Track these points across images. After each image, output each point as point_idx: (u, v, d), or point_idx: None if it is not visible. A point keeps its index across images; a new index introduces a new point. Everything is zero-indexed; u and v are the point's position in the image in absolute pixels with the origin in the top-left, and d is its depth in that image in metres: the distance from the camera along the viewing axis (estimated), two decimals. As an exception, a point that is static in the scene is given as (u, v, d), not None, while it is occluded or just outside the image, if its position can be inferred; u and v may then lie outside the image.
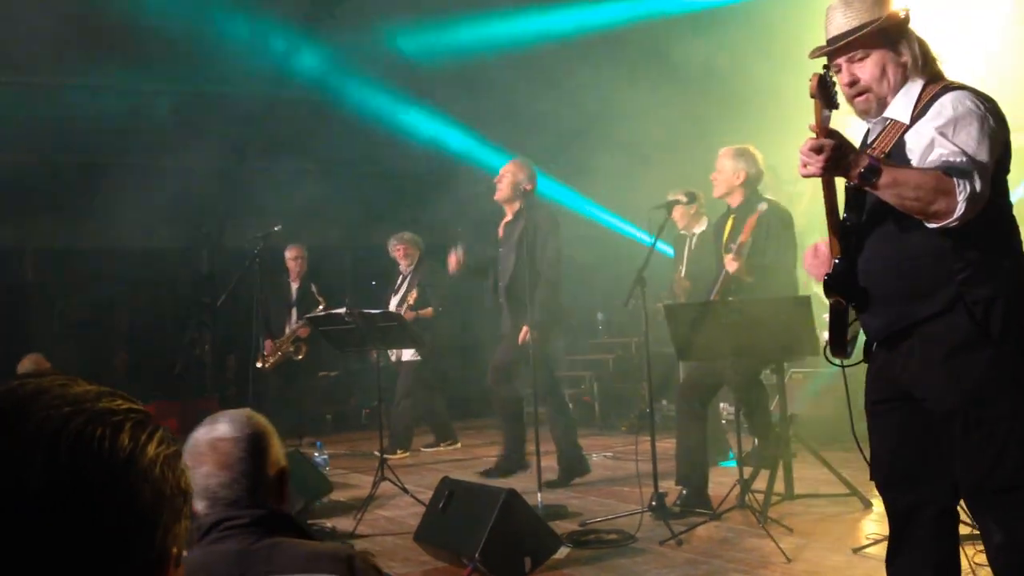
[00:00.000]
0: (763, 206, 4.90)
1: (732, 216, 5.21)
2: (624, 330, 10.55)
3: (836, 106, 2.51)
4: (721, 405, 7.23)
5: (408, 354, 7.62)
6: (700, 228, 6.21)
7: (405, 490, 5.33)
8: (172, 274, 10.81)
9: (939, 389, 2.54)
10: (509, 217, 6.00)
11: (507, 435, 6.20)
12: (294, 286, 8.76)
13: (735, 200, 5.21)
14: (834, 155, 2.41)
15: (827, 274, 2.67)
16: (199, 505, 1.82)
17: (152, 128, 9.30)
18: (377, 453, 5.63)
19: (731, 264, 4.90)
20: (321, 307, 7.93)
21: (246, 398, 6.41)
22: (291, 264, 8.70)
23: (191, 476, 1.78)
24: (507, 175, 5.84)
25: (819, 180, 2.57)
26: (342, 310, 5.39)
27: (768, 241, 4.86)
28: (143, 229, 9.82)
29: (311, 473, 5.74)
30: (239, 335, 9.13)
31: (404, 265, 8.06)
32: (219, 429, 1.86)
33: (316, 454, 6.32)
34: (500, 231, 6.01)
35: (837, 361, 2.78)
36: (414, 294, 7.55)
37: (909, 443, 2.68)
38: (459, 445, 8.36)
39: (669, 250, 6.63)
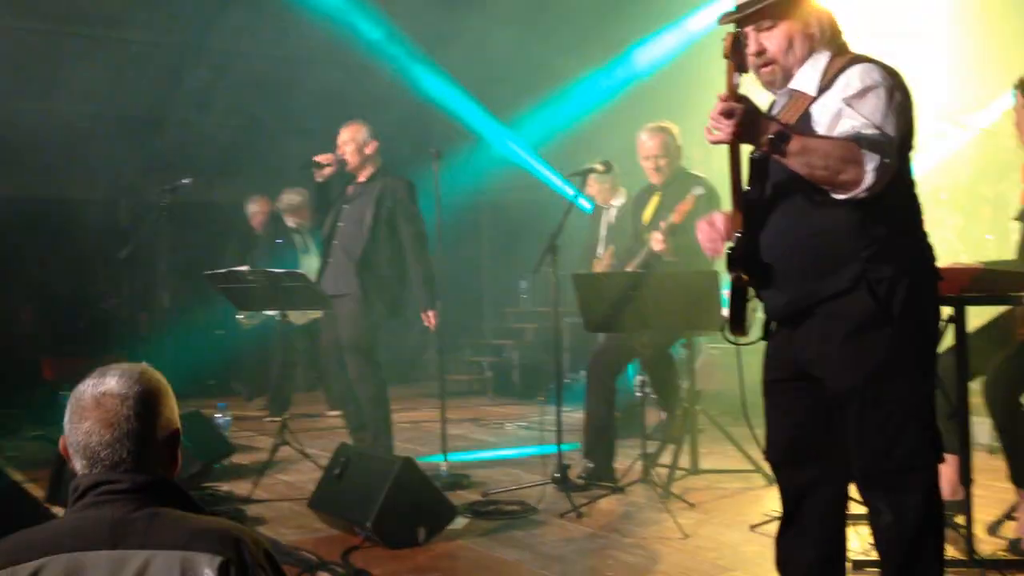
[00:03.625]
0: (699, 190, 4.81)
1: (659, 193, 5.13)
2: (548, 299, 10.45)
3: (747, 69, 2.42)
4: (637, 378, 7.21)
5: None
6: (618, 201, 6.11)
7: (306, 455, 5.18)
8: (87, 226, 10.38)
9: (839, 368, 2.49)
10: (361, 179, 5.48)
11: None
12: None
13: (660, 178, 5.13)
14: (744, 120, 2.31)
15: (729, 248, 2.59)
16: (78, 464, 1.67)
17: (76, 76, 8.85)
18: (276, 419, 5.43)
19: (658, 243, 4.83)
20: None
21: (150, 356, 6.17)
22: (255, 219, 8.46)
23: (72, 431, 1.65)
24: (350, 141, 5.38)
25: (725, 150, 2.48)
26: (244, 268, 5.17)
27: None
28: (59, 178, 9.42)
29: (211, 434, 5.56)
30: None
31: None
32: (107, 383, 1.69)
33: (218, 415, 6.12)
34: (348, 190, 5.48)
35: (735, 339, 2.72)
36: None
37: (806, 423, 2.64)
38: None
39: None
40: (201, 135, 9.45)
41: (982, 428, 5.01)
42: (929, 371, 2.53)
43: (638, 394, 6.59)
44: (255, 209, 8.48)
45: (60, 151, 8.63)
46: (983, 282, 3.44)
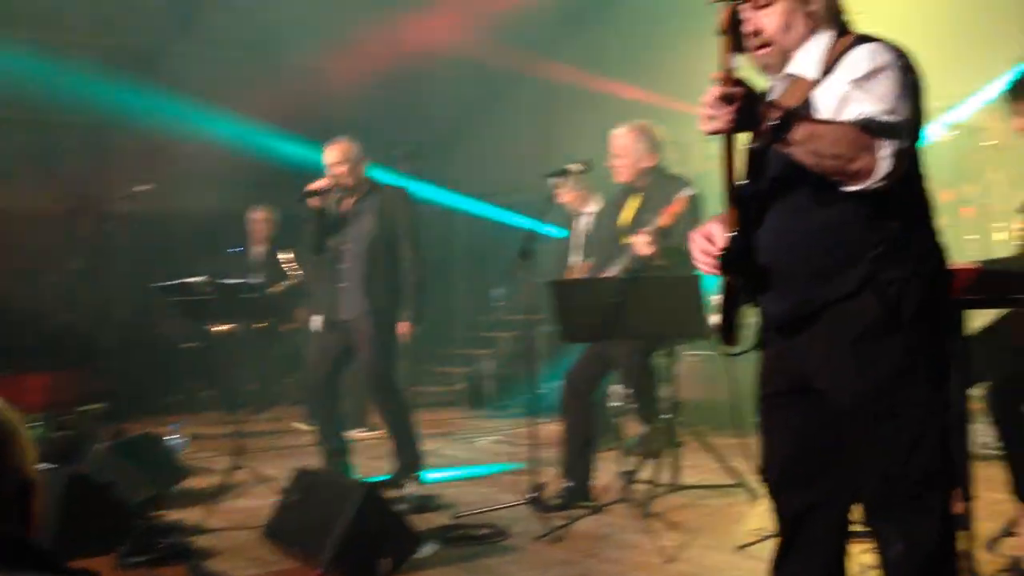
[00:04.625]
0: (689, 191, 4.52)
1: (639, 195, 4.85)
2: (523, 307, 10.16)
3: (744, 50, 2.13)
4: (611, 388, 6.94)
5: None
6: (593, 207, 5.83)
7: (263, 479, 4.86)
8: (48, 239, 9.94)
9: (845, 378, 2.24)
10: (351, 199, 5.31)
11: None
12: (257, 250, 8.22)
13: (641, 181, 4.85)
14: (744, 106, 2.03)
15: (722, 250, 2.32)
16: None
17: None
18: (233, 434, 5.11)
19: (645, 247, 4.54)
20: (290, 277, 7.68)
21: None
22: (256, 227, 8.21)
23: None
24: (345, 161, 5.18)
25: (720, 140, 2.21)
26: (200, 279, 4.86)
27: (690, 225, 4.47)
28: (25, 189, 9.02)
29: (162, 458, 5.23)
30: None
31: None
32: None
33: (172, 436, 5.78)
34: (343, 208, 5.30)
35: (727, 349, 2.45)
36: None
37: (807, 440, 2.38)
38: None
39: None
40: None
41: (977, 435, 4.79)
42: (943, 381, 2.28)
43: (615, 404, 6.35)
44: (259, 217, 8.24)
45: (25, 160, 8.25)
46: (987, 283, 3.20)
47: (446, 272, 11.40)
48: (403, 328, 5.20)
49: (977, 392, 3.63)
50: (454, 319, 11.45)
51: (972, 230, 7.02)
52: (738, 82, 2.06)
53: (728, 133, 2.10)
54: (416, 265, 5.21)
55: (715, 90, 2.05)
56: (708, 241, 2.39)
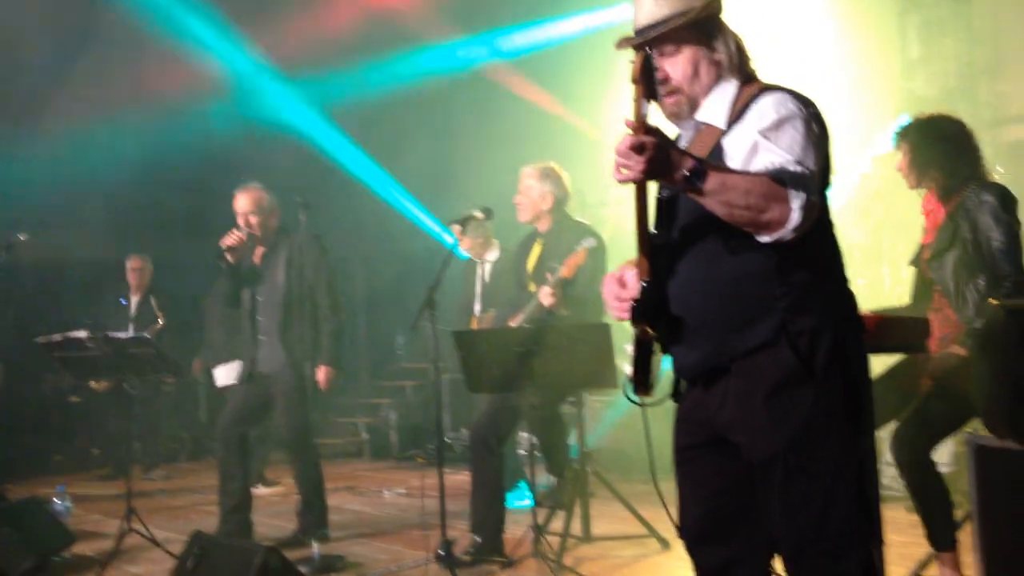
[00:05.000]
0: (591, 242, 4.50)
1: (541, 241, 4.83)
2: (426, 354, 10.01)
3: (657, 97, 2.10)
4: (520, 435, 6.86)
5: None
6: (492, 255, 5.78)
7: (156, 543, 4.61)
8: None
9: (758, 432, 2.20)
10: (262, 249, 5.21)
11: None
12: (134, 300, 8.01)
13: (543, 225, 4.83)
14: (656, 155, 2.00)
15: (633, 299, 2.28)
16: None
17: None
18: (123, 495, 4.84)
19: (547, 298, 4.49)
20: (160, 323, 7.53)
21: None
22: (131, 276, 8.00)
23: None
24: (258, 211, 5.09)
25: (630, 188, 2.18)
26: (82, 333, 4.61)
27: (592, 275, 4.46)
28: None
29: (47, 523, 4.92)
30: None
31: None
32: None
33: (56, 500, 5.45)
34: (256, 258, 5.20)
35: (639, 399, 2.41)
36: None
37: (723, 494, 2.34)
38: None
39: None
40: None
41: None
42: (860, 431, 2.26)
43: (522, 452, 6.26)
44: (134, 266, 8.04)
45: None
46: (886, 330, 3.26)
47: (349, 320, 11.20)
48: (321, 374, 5.08)
49: (881, 434, 3.68)
50: (357, 367, 11.24)
51: (861, 274, 7.24)
52: (650, 130, 2.03)
53: (639, 182, 2.08)
54: (333, 311, 5.11)
55: (627, 139, 2.02)
56: (621, 286, 2.35)
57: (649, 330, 2.30)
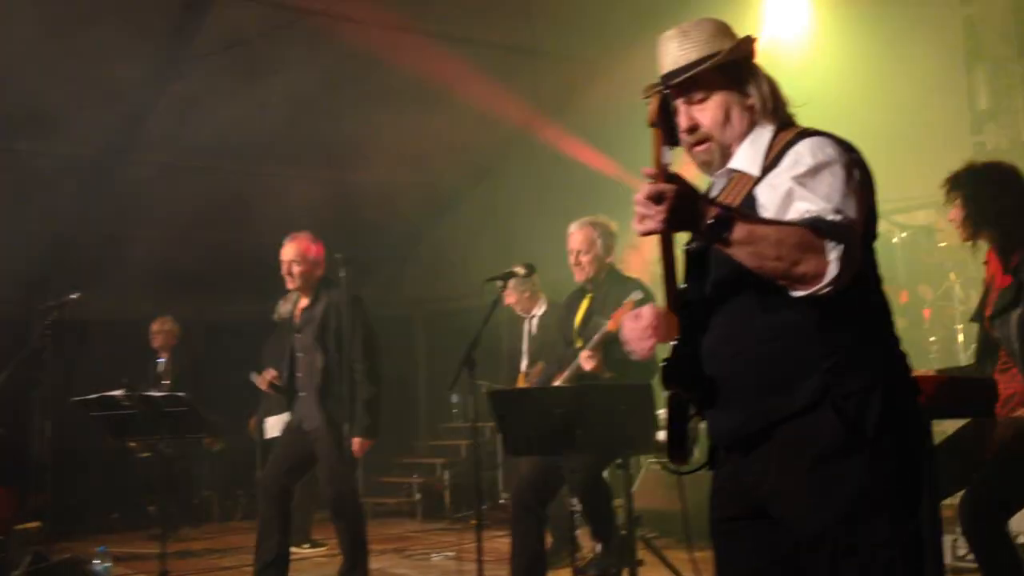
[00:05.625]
0: (638, 295, 4.32)
1: (590, 296, 4.68)
2: (483, 414, 9.87)
3: (678, 143, 1.95)
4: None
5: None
6: (540, 310, 5.67)
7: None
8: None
9: (803, 507, 2.02)
10: (305, 303, 5.14)
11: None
12: (161, 362, 8.05)
13: (593, 281, 4.69)
14: (678, 204, 1.86)
15: (665, 360, 2.13)
16: None
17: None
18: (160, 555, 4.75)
19: (587, 362, 4.35)
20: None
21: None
22: (156, 338, 8.07)
23: None
24: (302, 261, 5.02)
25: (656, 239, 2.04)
26: (119, 392, 4.58)
27: None
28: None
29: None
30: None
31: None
32: None
33: (96, 561, 5.39)
34: (296, 316, 5.14)
35: (676, 468, 2.24)
36: None
37: (763, 573, 2.14)
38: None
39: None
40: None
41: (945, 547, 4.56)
42: (914, 506, 2.05)
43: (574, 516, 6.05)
44: (157, 328, 8.03)
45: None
46: (948, 392, 3.04)
47: (407, 378, 11.15)
48: (356, 445, 4.93)
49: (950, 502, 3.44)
50: (416, 426, 11.15)
51: (932, 332, 6.93)
52: (671, 178, 1.89)
53: (662, 233, 1.93)
54: (369, 377, 4.98)
55: (646, 187, 1.88)
56: (637, 319, 2.21)
57: (683, 392, 2.14)
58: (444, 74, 7.94)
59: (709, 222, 1.89)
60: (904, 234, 7.27)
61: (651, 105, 1.91)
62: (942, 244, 7.12)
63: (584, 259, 4.64)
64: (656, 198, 1.86)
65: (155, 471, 7.61)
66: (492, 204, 10.28)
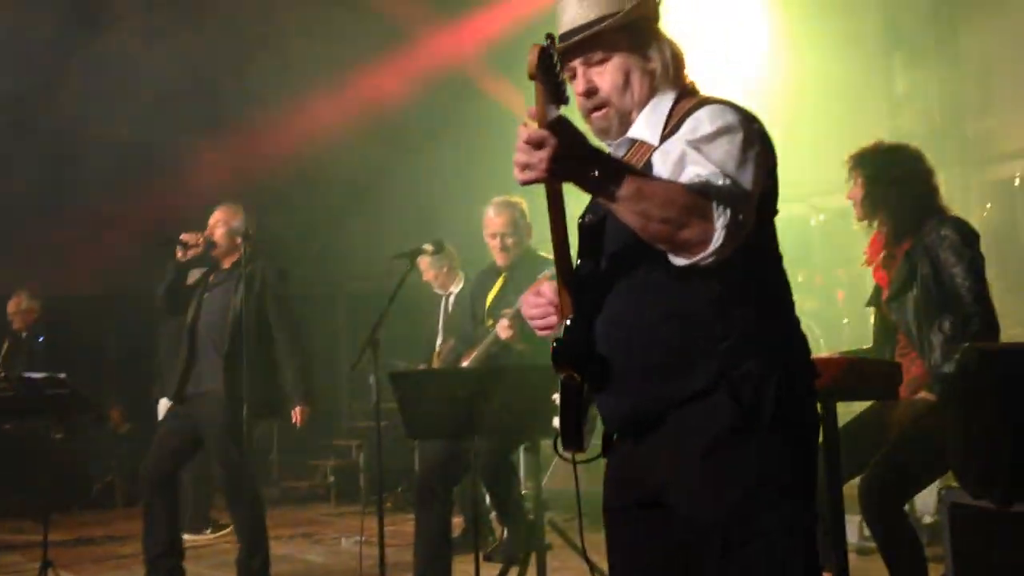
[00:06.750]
0: (549, 271, 4.22)
1: (504, 275, 4.55)
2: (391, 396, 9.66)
3: (565, 100, 1.80)
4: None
5: None
6: (457, 287, 5.55)
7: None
8: None
9: (695, 495, 1.92)
10: (225, 267, 4.96)
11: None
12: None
13: (506, 259, 4.57)
14: (561, 152, 1.68)
15: (555, 340, 2.00)
16: None
17: None
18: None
19: (505, 330, 4.22)
20: None
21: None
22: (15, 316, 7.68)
23: None
24: (223, 224, 4.87)
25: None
26: (-4, 376, 4.32)
27: None
28: None
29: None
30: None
31: None
32: None
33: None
34: (211, 275, 4.97)
35: (569, 456, 2.12)
36: None
37: (656, 564, 2.04)
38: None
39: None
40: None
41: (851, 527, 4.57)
42: (810, 492, 1.98)
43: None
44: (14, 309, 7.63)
45: None
46: (855, 374, 2.99)
47: (329, 359, 10.88)
48: (297, 414, 4.87)
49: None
50: (338, 408, 10.90)
51: (846, 313, 6.98)
52: (556, 123, 1.71)
53: (547, 183, 1.76)
54: (295, 351, 4.88)
55: (525, 131, 1.70)
56: (537, 296, 2.09)
57: (575, 375, 2.02)
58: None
59: (595, 173, 1.75)
60: (822, 216, 7.31)
61: (530, 56, 1.73)
62: (856, 227, 7.17)
63: (509, 241, 4.54)
64: (538, 143, 1.69)
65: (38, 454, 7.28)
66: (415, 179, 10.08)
